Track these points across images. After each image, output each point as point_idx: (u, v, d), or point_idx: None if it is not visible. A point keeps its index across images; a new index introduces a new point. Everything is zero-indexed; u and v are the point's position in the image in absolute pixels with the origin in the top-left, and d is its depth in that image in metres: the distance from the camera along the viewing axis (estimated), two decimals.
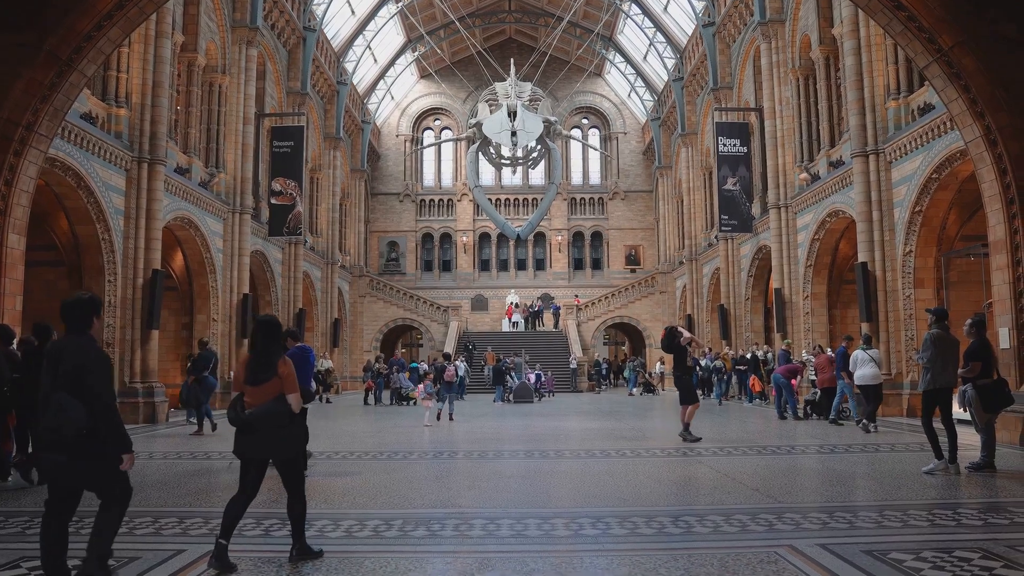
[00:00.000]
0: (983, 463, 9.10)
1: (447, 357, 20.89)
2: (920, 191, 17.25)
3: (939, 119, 16.29)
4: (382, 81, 42.90)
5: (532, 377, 29.74)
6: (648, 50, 39.13)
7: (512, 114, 27.35)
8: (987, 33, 10.64)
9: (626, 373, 34.31)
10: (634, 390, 31.88)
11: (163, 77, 19.40)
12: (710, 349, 28.10)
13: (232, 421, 5.27)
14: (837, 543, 5.70)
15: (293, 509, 5.41)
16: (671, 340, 13.77)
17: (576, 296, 42.92)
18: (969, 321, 9.49)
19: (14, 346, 10.11)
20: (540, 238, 45.26)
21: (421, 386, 18.33)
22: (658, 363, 35.71)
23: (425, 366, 27.46)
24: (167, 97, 19.72)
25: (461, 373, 25.96)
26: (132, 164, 18.59)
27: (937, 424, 9.46)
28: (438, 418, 17.62)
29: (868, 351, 14.70)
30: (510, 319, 42.51)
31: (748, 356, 25.26)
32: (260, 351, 5.33)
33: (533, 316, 42.30)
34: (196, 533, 6.28)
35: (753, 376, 24.55)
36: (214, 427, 14.98)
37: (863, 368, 14.42)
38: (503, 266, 45.71)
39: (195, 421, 15.30)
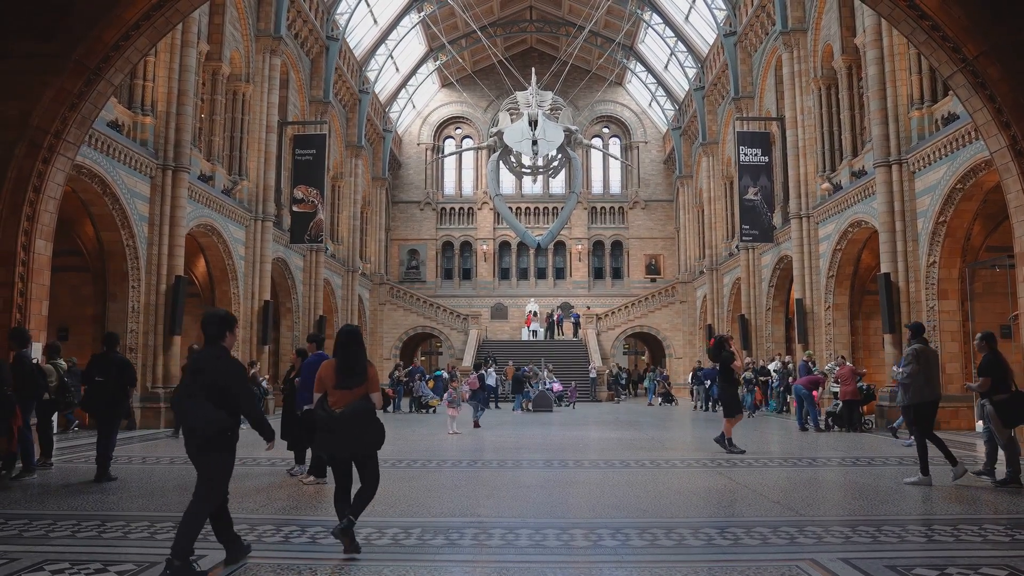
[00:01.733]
0: (1009, 478, 9.02)
1: (478, 367, 21.54)
2: (944, 201, 17.06)
3: (963, 129, 16.12)
4: (404, 90, 43.13)
5: (556, 387, 29.71)
6: (669, 59, 39.07)
7: (533, 123, 27.35)
8: (1013, 42, 10.52)
9: (646, 383, 34.05)
10: (654, 400, 31.72)
11: (188, 86, 19.64)
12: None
13: (322, 420, 5.76)
14: (860, 558, 5.64)
15: (363, 496, 5.85)
16: (719, 349, 13.68)
17: (587, 307, 42.81)
18: (979, 336, 9.58)
19: (31, 349, 10.26)
20: (560, 247, 45.23)
21: (446, 395, 18.51)
22: (691, 374, 35.51)
23: (446, 374, 27.53)
24: (192, 105, 19.95)
25: (490, 382, 25.98)
26: (157, 171, 18.81)
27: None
28: (475, 425, 18.59)
29: None
30: (529, 328, 42.48)
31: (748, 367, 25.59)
32: (350, 359, 5.87)
33: (553, 325, 42.22)
34: (216, 539, 6.29)
35: (757, 387, 24.88)
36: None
37: None
38: (523, 275, 45.70)
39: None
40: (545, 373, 31.25)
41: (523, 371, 28.80)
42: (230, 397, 5.25)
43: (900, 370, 9.72)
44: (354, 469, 5.94)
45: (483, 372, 23.66)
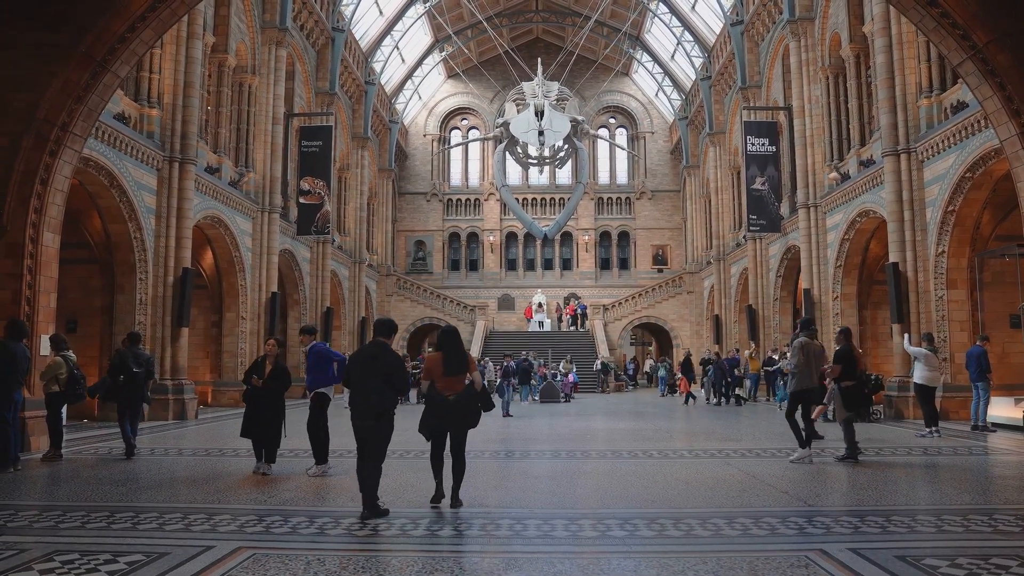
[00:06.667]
0: (848, 454, 10.24)
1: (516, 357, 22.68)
2: (953, 190, 16.94)
3: (973, 117, 16.00)
4: (409, 81, 43.04)
5: (571, 378, 29.64)
6: (676, 49, 38.89)
7: (539, 113, 27.31)
8: (1022, 29, 10.43)
9: (661, 373, 33.16)
10: (664, 390, 31.59)
11: (194, 78, 19.61)
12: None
13: (436, 404, 7.13)
14: (869, 548, 5.63)
15: (457, 469, 7.14)
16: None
17: (571, 302, 42.64)
18: (839, 330, 11.23)
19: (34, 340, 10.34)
20: (567, 238, 45.14)
21: None
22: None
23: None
24: (198, 97, 19.94)
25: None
26: (163, 163, 18.81)
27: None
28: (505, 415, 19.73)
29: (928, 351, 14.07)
30: (529, 319, 42.24)
31: (685, 357, 27.40)
32: (453, 351, 7.30)
33: (566, 317, 42.10)
34: (224, 530, 6.32)
35: (683, 377, 25.93)
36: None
37: (921, 370, 13.73)
38: (530, 265, 45.64)
39: None
40: (562, 365, 31.13)
41: (529, 362, 28.34)
42: (392, 381, 6.80)
43: (789, 360, 10.97)
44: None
45: (507, 364, 23.97)
